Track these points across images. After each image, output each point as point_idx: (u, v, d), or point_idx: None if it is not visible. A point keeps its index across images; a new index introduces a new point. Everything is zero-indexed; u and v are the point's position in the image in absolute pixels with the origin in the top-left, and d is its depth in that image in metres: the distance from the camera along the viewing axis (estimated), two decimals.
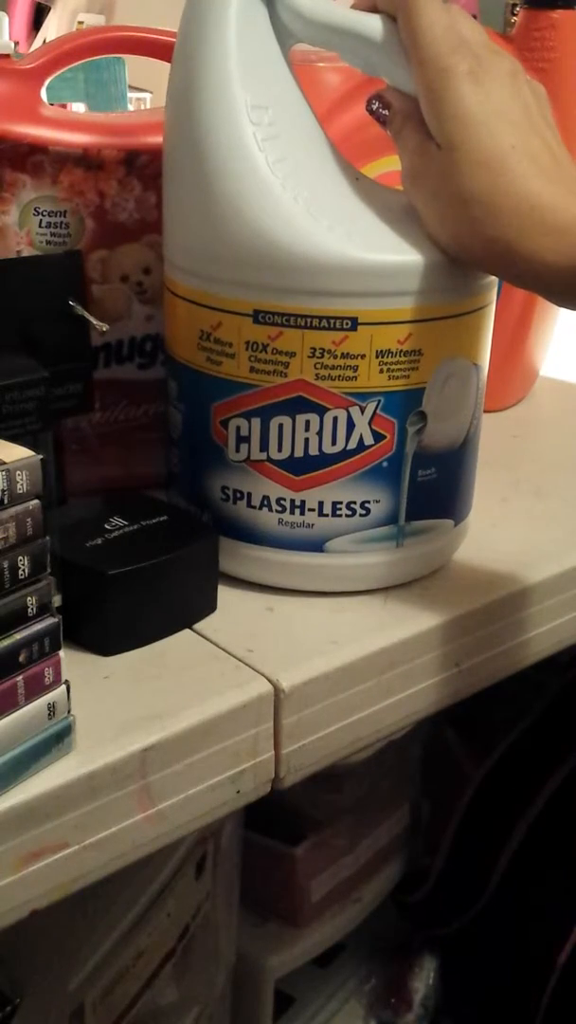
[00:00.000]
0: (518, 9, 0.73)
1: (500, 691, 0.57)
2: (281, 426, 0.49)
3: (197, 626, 0.49)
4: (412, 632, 0.50)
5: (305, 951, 0.88)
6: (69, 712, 0.40)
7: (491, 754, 0.95)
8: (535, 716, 0.94)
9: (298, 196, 0.46)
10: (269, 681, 0.45)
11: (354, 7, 0.48)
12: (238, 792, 0.45)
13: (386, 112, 0.49)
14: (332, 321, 0.47)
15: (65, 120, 0.55)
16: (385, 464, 0.49)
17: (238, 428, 0.49)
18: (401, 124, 0.48)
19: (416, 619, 0.50)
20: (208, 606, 0.50)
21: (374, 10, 0.48)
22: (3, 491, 0.36)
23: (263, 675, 0.45)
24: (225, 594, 0.51)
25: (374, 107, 0.49)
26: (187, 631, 0.49)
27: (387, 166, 0.69)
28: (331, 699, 0.47)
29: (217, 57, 0.47)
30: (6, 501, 0.36)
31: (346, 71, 0.63)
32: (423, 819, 1.00)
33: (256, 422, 0.49)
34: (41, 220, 0.54)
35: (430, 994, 1.00)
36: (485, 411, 0.79)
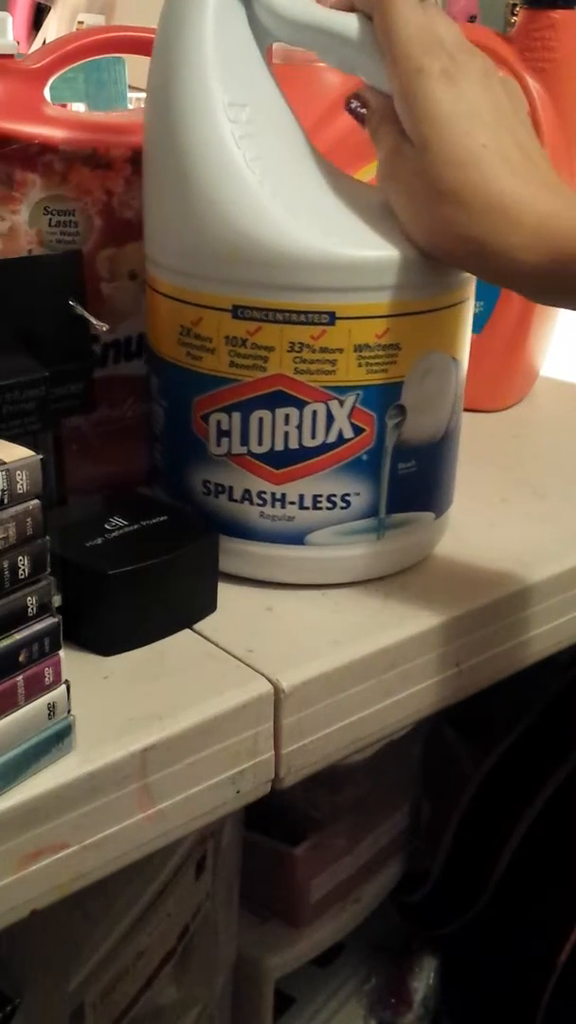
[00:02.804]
0: (518, 9, 0.73)
1: (500, 691, 0.57)
2: (261, 420, 0.49)
3: (197, 626, 0.49)
4: (412, 632, 0.50)
5: (305, 951, 0.88)
6: (69, 712, 0.40)
7: (491, 754, 0.95)
8: (535, 716, 0.94)
9: (275, 193, 0.47)
10: (269, 681, 0.45)
11: (332, 6, 0.49)
12: (238, 792, 0.45)
13: (364, 111, 0.49)
14: (310, 316, 0.47)
15: (72, 120, 0.55)
16: (365, 457, 0.50)
17: (219, 422, 0.50)
18: (377, 123, 0.48)
19: (416, 619, 0.50)
20: (208, 606, 0.50)
21: (351, 9, 0.48)
22: (3, 491, 0.36)
23: (263, 675, 0.45)
24: (225, 594, 0.51)
25: (353, 106, 0.50)
26: (187, 631, 0.49)
27: None
28: (331, 699, 0.47)
29: (194, 55, 0.47)
30: (6, 501, 0.36)
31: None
32: (423, 819, 1.00)
33: (236, 416, 0.49)
34: (51, 219, 0.54)
35: (430, 994, 1.00)
36: (485, 411, 0.79)
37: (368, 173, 0.70)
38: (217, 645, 0.48)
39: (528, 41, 0.71)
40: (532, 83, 0.71)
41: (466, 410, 0.76)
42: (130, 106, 0.83)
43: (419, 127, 0.45)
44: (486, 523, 0.60)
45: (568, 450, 0.74)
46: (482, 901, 0.95)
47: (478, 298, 0.78)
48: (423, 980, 1.00)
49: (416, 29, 0.45)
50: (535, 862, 0.92)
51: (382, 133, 0.48)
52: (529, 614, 0.55)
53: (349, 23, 0.48)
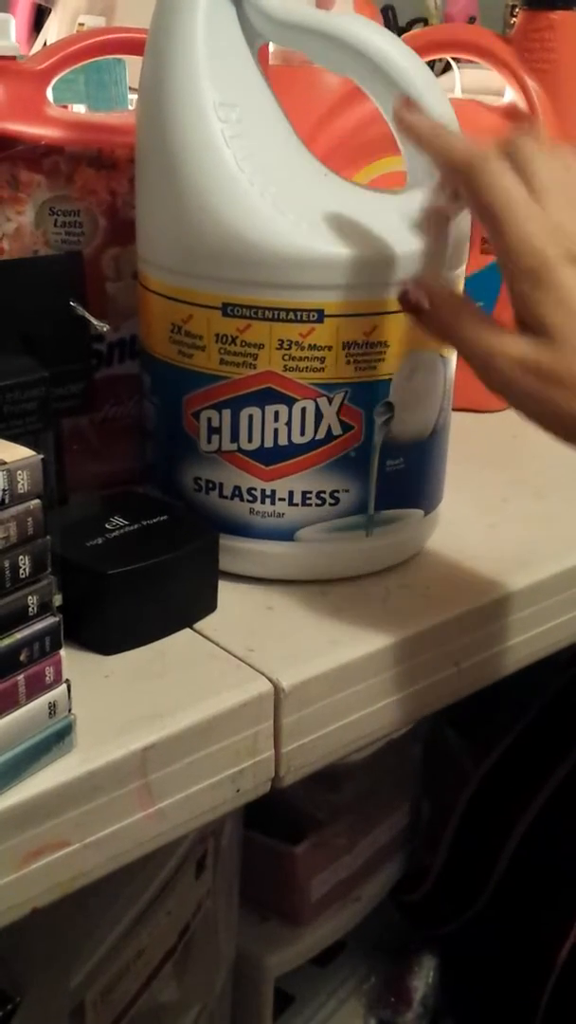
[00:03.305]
0: (518, 10, 0.74)
1: (500, 691, 0.57)
2: (251, 417, 0.49)
3: (197, 625, 0.49)
4: (412, 632, 0.50)
5: (305, 950, 0.88)
6: (70, 711, 0.40)
7: (491, 754, 0.95)
8: (535, 715, 0.95)
9: (264, 191, 0.47)
10: (269, 680, 0.45)
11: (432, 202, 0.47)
12: (238, 791, 0.45)
13: (422, 303, 0.46)
14: (299, 313, 0.47)
15: (76, 121, 0.56)
16: (353, 454, 0.50)
17: (209, 419, 0.50)
18: (456, 315, 0.45)
19: (415, 619, 0.50)
20: (208, 605, 0.50)
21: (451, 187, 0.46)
22: (4, 491, 0.36)
23: (263, 674, 0.45)
24: (225, 593, 0.51)
25: (408, 297, 0.46)
26: (187, 630, 0.49)
27: (387, 166, 0.69)
28: (331, 698, 0.47)
29: (185, 55, 0.47)
30: (7, 501, 0.36)
31: None
32: (423, 819, 1.00)
33: (227, 413, 0.50)
34: (56, 220, 0.55)
35: (429, 993, 1.00)
36: (487, 411, 0.79)
37: (368, 173, 0.70)
38: (217, 644, 0.48)
39: (527, 42, 0.71)
40: (532, 83, 0.72)
41: (466, 410, 0.76)
42: (131, 107, 0.83)
43: (554, 320, 0.41)
44: (486, 523, 0.60)
45: (568, 450, 0.74)
46: (482, 900, 0.95)
47: (478, 298, 0.78)
48: (423, 979, 1.00)
49: (532, 216, 0.42)
50: (535, 861, 0.92)
51: (476, 329, 0.44)
52: (528, 614, 0.55)
53: (338, 25, 0.48)
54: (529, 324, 0.42)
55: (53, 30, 1.03)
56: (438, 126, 0.46)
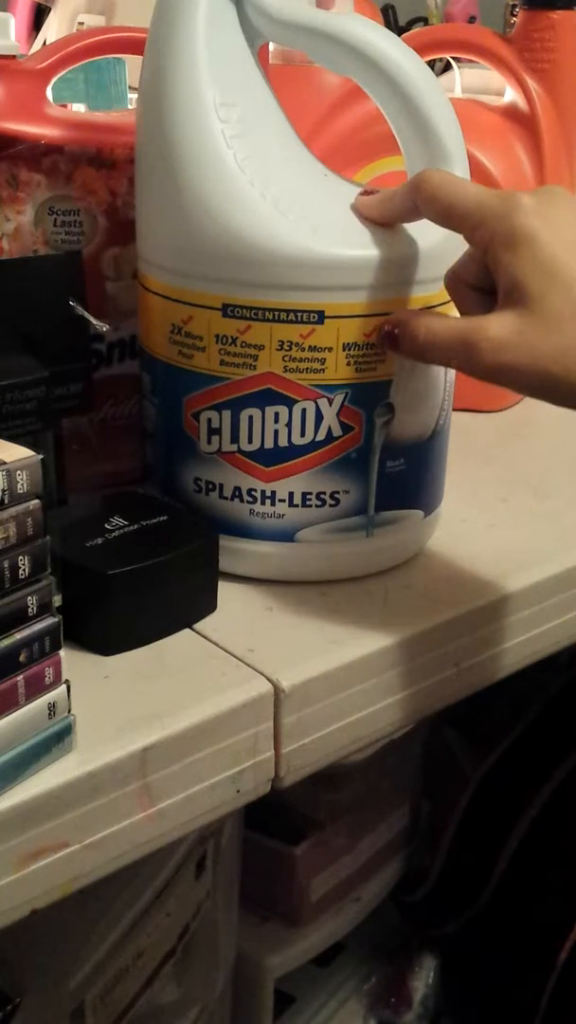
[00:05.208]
0: (518, 10, 0.74)
1: (500, 691, 0.57)
2: (251, 418, 0.49)
3: (197, 626, 0.49)
4: (412, 632, 0.50)
5: (305, 950, 0.88)
6: (69, 712, 0.40)
7: (491, 754, 0.95)
8: (535, 716, 0.95)
9: (265, 192, 0.47)
10: (269, 681, 0.45)
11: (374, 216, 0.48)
12: (238, 791, 0.45)
13: (397, 331, 0.47)
14: (299, 314, 0.47)
15: (76, 120, 0.55)
16: (354, 455, 0.50)
17: (209, 420, 0.50)
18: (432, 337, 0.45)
19: (415, 619, 0.50)
20: (208, 606, 0.50)
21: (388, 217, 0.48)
22: (3, 491, 0.36)
23: (263, 675, 0.45)
24: (225, 593, 0.51)
25: (386, 329, 0.48)
26: (187, 631, 0.49)
27: (387, 166, 0.69)
28: (331, 699, 0.47)
29: (186, 55, 0.47)
30: (6, 501, 0.36)
31: None
32: (423, 819, 1.00)
33: (227, 414, 0.49)
34: (56, 219, 0.55)
35: (430, 993, 1.00)
36: (487, 411, 0.79)
37: (368, 173, 0.70)
38: (217, 645, 0.48)
39: (527, 42, 0.71)
40: (532, 83, 0.72)
41: (466, 410, 0.76)
42: (131, 107, 0.83)
43: (531, 280, 0.41)
44: (486, 523, 0.60)
45: (568, 450, 0.74)
46: (482, 900, 0.95)
47: None
48: (423, 979, 1.00)
49: (487, 190, 0.44)
50: (535, 861, 0.92)
51: (448, 326, 0.44)
52: (528, 614, 0.55)
53: (338, 25, 0.48)
54: (510, 292, 0.42)
55: (53, 29, 1.03)
56: (386, 192, 0.48)
